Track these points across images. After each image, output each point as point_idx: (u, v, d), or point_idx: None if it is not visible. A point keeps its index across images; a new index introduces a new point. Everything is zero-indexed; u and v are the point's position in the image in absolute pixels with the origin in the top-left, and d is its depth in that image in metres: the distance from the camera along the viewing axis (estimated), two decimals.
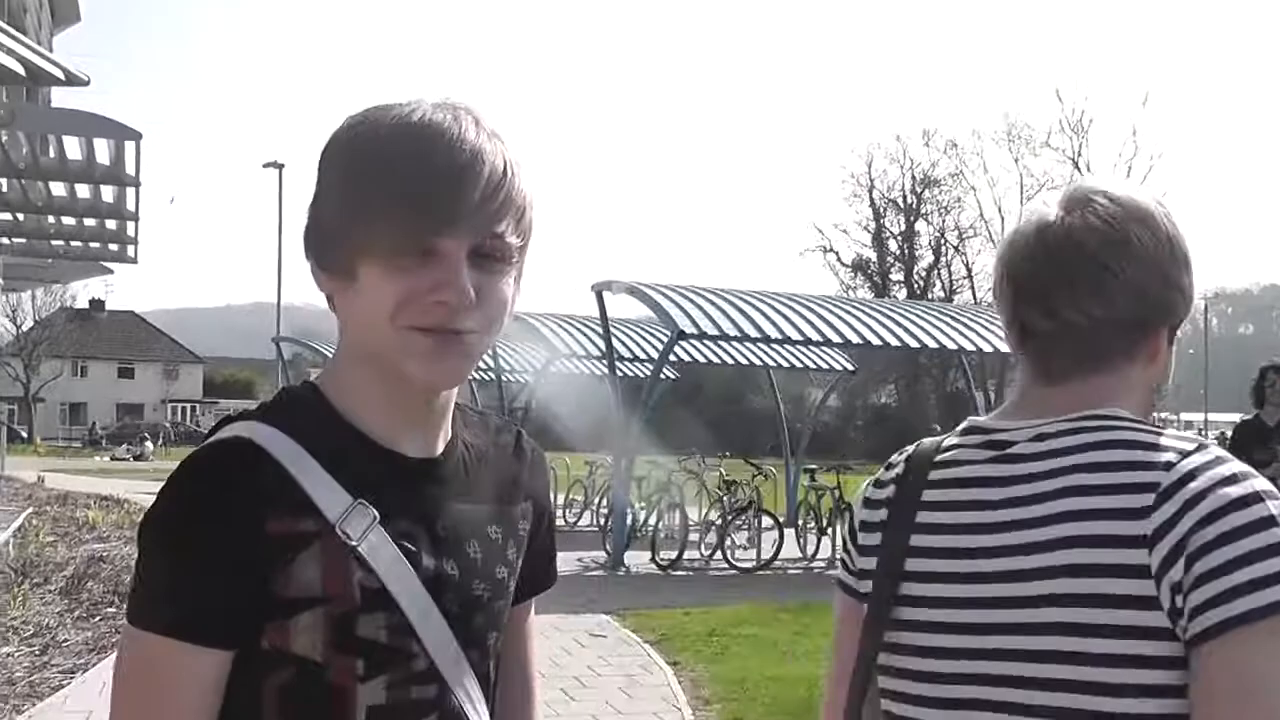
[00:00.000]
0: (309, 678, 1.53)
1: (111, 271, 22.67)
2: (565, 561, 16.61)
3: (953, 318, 18.76)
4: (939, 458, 1.84)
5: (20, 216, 17.76)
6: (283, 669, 1.52)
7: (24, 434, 65.60)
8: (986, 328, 18.31)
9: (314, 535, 1.52)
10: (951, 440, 1.86)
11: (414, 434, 1.64)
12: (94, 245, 19.63)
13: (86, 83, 11.32)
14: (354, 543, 1.53)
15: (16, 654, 9.28)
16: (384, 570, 1.54)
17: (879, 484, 1.96)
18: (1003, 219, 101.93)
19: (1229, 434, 10.33)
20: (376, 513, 1.55)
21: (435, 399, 1.64)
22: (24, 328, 75.12)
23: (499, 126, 1.56)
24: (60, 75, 11.16)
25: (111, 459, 51.57)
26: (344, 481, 1.55)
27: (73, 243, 19.61)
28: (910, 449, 1.93)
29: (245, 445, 1.54)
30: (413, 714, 1.59)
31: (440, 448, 1.68)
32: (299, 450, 1.55)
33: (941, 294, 79.88)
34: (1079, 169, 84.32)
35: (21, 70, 10.62)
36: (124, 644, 1.56)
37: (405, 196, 1.46)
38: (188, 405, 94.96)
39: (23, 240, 19.94)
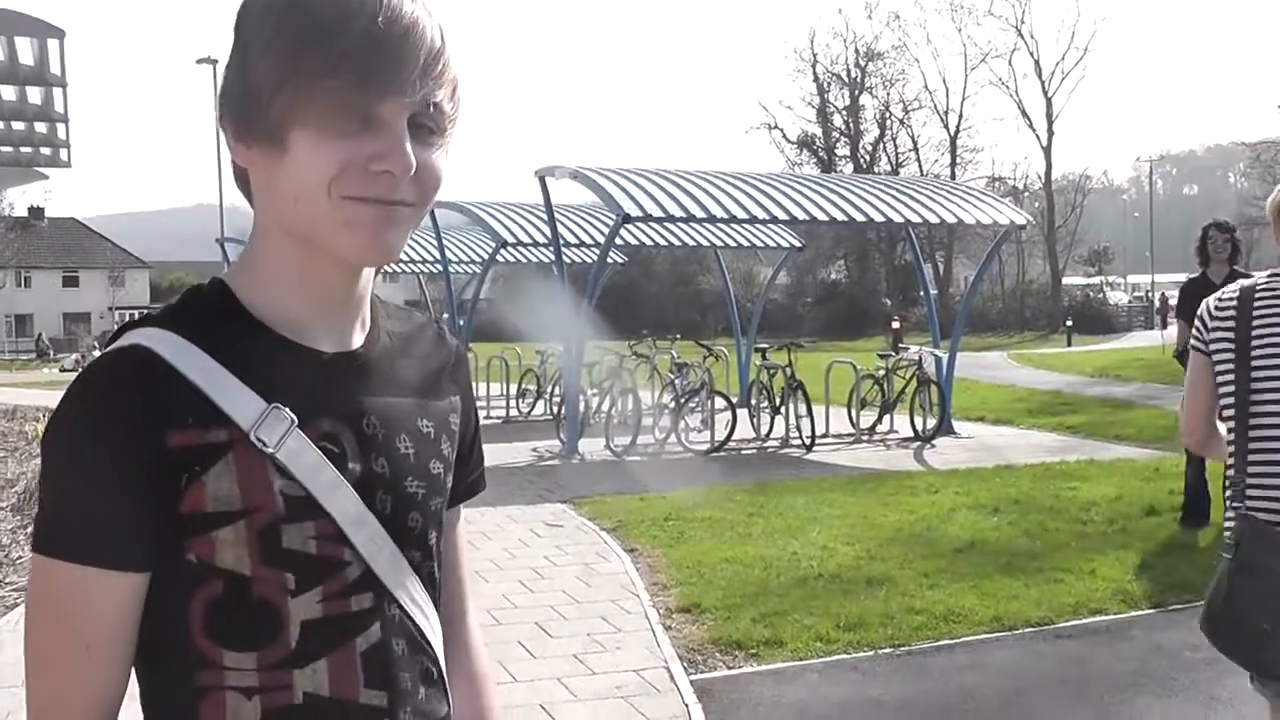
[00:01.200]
0: (237, 592, 1.44)
1: (46, 177, 22.29)
2: (520, 451, 16.68)
3: (899, 190, 18.60)
4: (1259, 287, 3.59)
5: None
6: (210, 583, 1.44)
7: None
8: (933, 199, 18.22)
9: (225, 445, 1.42)
10: (1263, 278, 3.63)
11: (332, 326, 1.55)
12: (24, 150, 19.28)
13: None
14: (270, 449, 1.44)
15: None
16: (306, 476, 1.46)
17: (1221, 300, 3.65)
18: (947, 90, 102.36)
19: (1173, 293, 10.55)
20: (294, 416, 1.46)
21: (355, 285, 1.55)
22: None
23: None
24: None
25: (60, 370, 51.00)
26: (256, 385, 1.46)
27: (3, 148, 19.22)
28: (1235, 287, 3.68)
29: (141, 354, 1.43)
30: (351, 625, 1.51)
31: (359, 340, 1.59)
32: (203, 356, 1.45)
33: (888, 168, 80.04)
34: (1022, 37, 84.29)
35: None
36: (32, 569, 1.46)
37: (348, 59, 1.38)
38: (135, 312, 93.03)
39: None
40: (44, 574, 1.43)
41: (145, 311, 1.58)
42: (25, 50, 13.02)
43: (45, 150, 19.18)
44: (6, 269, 79.72)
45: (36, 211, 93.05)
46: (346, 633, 1.50)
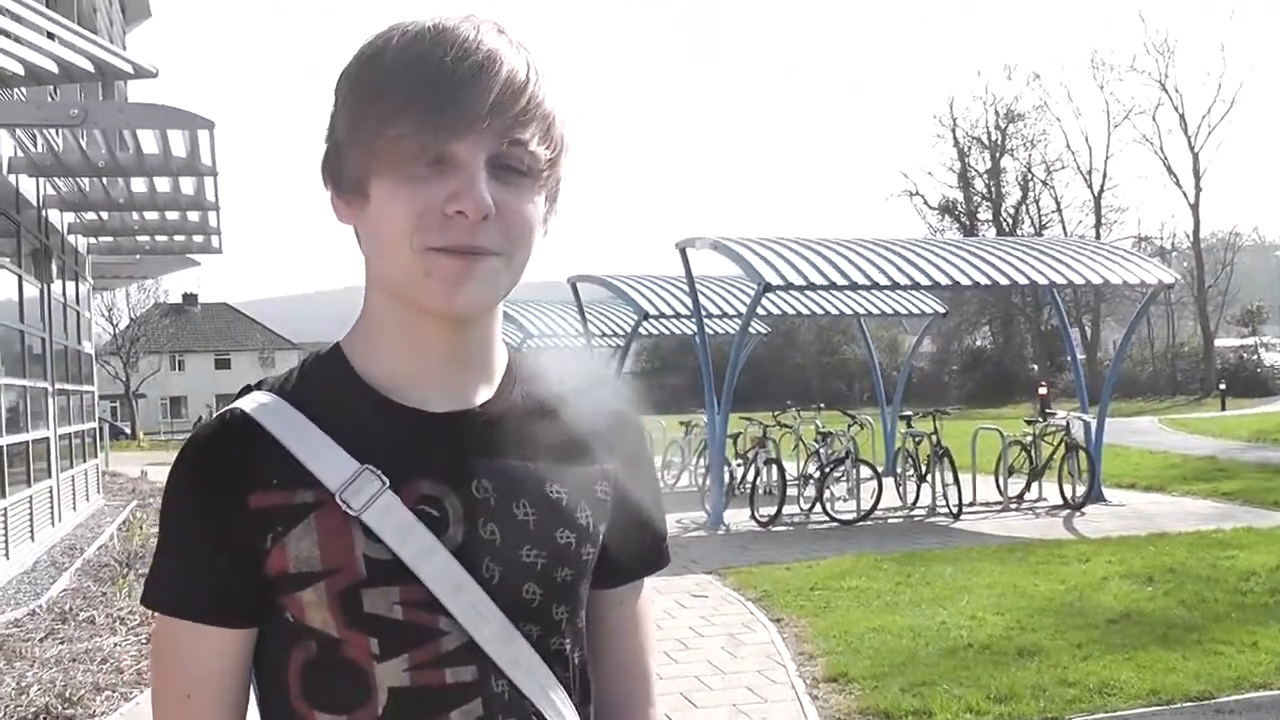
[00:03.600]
0: (327, 653, 1.46)
1: (198, 263, 22.97)
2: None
3: (1042, 251, 18.30)
4: None
5: (104, 215, 18.03)
6: (305, 642, 1.47)
7: (126, 430, 66.82)
8: (1078, 259, 17.91)
9: (310, 507, 1.43)
10: None
11: (445, 385, 1.52)
12: (178, 238, 19.95)
13: (155, 74, 11.39)
14: (355, 512, 1.42)
15: (123, 643, 9.40)
16: (394, 539, 1.43)
17: None
18: (1089, 148, 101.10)
19: None
20: (385, 479, 1.44)
21: (464, 339, 1.52)
22: (120, 326, 76.28)
23: (525, 39, 1.45)
24: (129, 69, 11.26)
25: None
26: (352, 447, 1.46)
27: (157, 237, 19.90)
28: None
29: (236, 418, 1.48)
30: (445, 698, 1.46)
31: (479, 399, 1.54)
32: (298, 419, 1.47)
33: (1031, 230, 78.88)
34: (1166, 91, 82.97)
35: (90, 67, 10.73)
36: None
37: (414, 99, 1.36)
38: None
39: (109, 238, 20.29)
40: (156, 625, 1.51)
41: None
42: (178, 142, 13.45)
43: (198, 238, 19.77)
44: (161, 353, 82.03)
45: (190, 298, 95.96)
46: (440, 705, 1.45)
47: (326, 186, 1.51)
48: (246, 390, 1.55)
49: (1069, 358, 22.60)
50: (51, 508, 16.37)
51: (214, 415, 1.52)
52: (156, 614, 1.50)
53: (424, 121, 1.36)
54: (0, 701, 7.84)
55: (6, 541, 13.26)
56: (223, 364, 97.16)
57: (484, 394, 1.55)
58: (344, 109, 1.45)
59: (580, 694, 1.60)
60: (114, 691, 8.14)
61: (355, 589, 1.43)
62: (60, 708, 7.65)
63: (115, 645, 9.35)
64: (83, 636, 9.76)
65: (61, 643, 9.54)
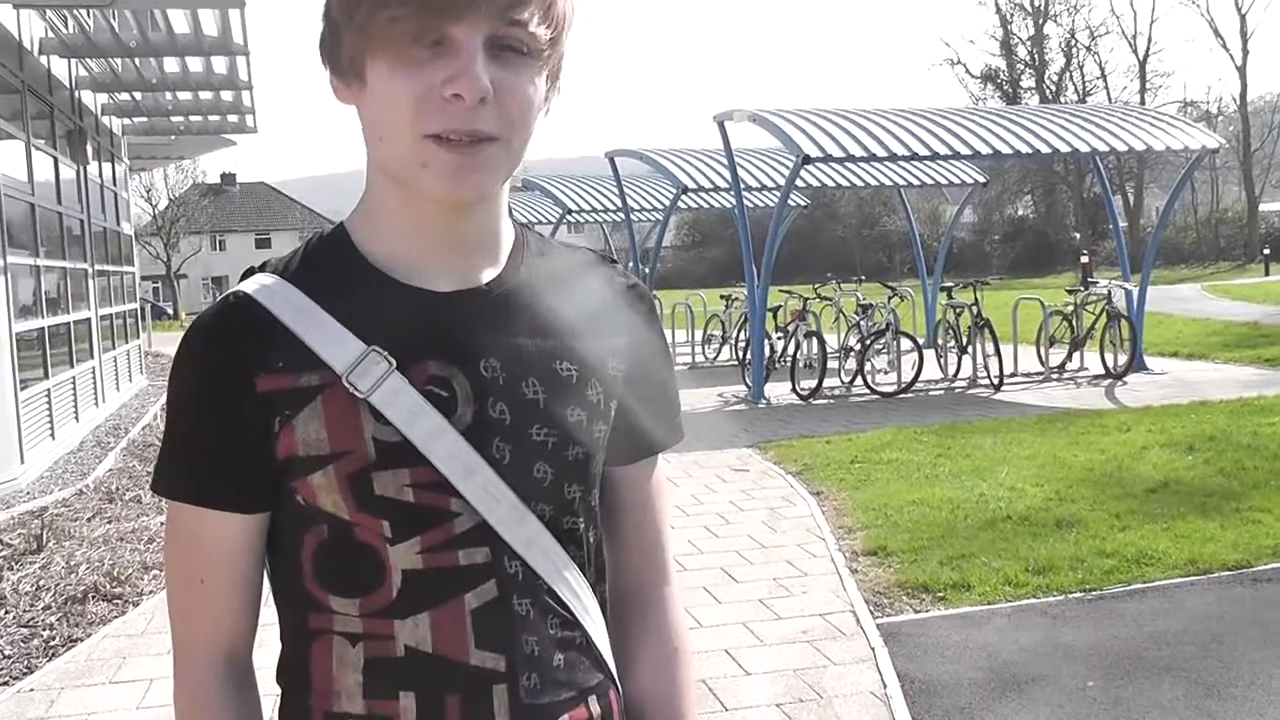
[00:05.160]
0: (340, 536, 1.45)
1: (234, 143, 22.96)
2: (705, 397, 16.70)
3: (1085, 119, 17.99)
4: None
5: (138, 96, 18.01)
6: (316, 526, 1.46)
7: (169, 310, 67.28)
8: (1121, 126, 17.61)
9: (316, 389, 1.42)
10: None
11: (450, 265, 1.49)
12: (213, 118, 19.94)
13: None
14: (363, 394, 1.41)
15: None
16: (403, 420, 1.41)
17: None
18: (1134, 13, 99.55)
19: None
20: (392, 360, 1.42)
21: (468, 222, 1.49)
22: (160, 207, 76.41)
23: None
24: None
25: None
26: (358, 329, 1.44)
27: (192, 117, 19.89)
28: None
29: (240, 301, 1.46)
30: (458, 580, 1.44)
31: (486, 277, 1.52)
32: (303, 300, 1.45)
33: (1075, 98, 77.77)
34: None
35: None
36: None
37: None
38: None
39: (144, 119, 20.29)
40: (168, 511, 1.51)
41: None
42: (208, 21, 13.38)
43: (233, 118, 19.77)
44: (202, 233, 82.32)
45: (228, 177, 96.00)
46: (453, 587, 1.44)
47: (324, 66, 1.48)
48: (250, 272, 1.53)
49: (1111, 226, 22.34)
50: (95, 388, 16.55)
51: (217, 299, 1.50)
52: (167, 500, 1.49)
53: (420, 3, 1.32)
54: (50, 579, 7.98)
55: (52, 422, 13.43)
56: (263, 243, 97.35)
57: (490, 271, 1.53)
58: None
59: (595, 573, 1.59)
60: (160, 570, 8.25)
61: (365, 472, 1.41)
62: (109, 586, 7.77)
63: (161, 525, 9.47)
64: (129, 515, 9.91)
65: (109, 522, 9.69)
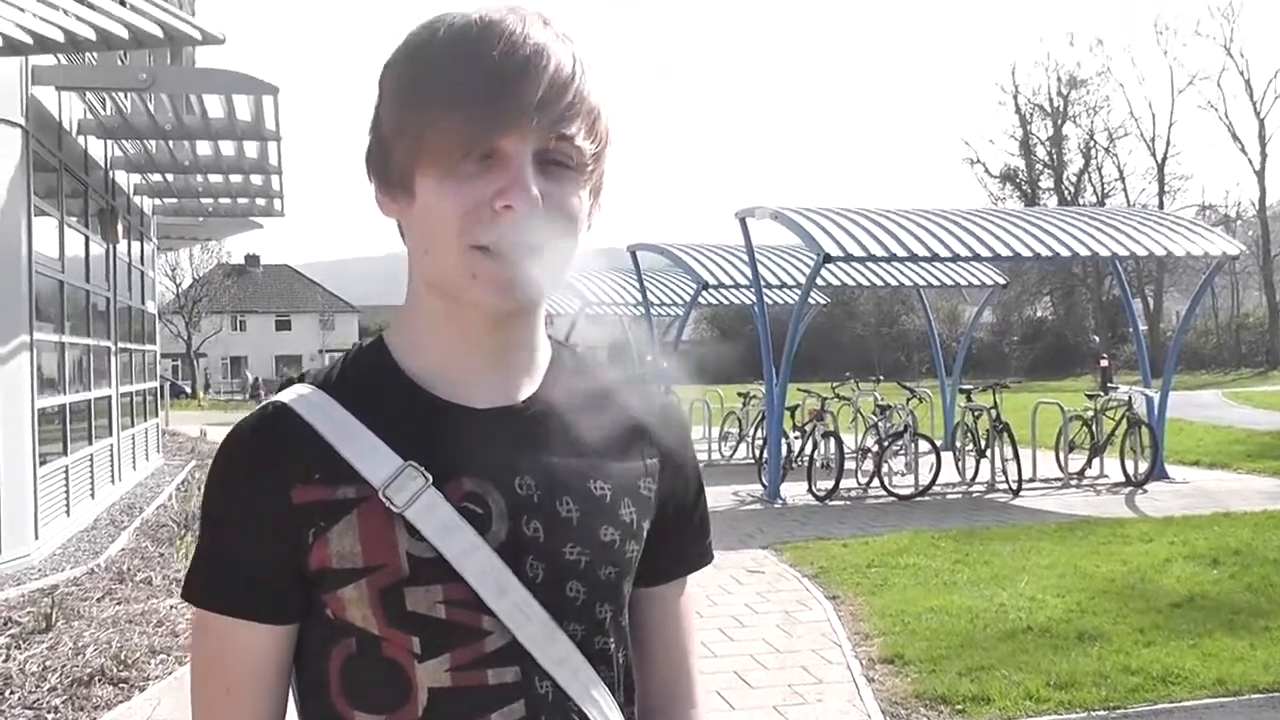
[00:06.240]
0: (368, 650, 1.44)
1: (260, 226, 23.15)
2: (721, 495, 16.60)
3: (1104, 222, 18.01)
4: None
5: (169, 177, 18.20)
6: (345, 639, 1.45)
7: (187, 389, 67.50)
8: (1140, 230, 17.64)
9: (352, 502, 1.41)
10: None
11: (489, 380, 1.50)
12: (241, 201, 20.12)
13: (222, 41, 11.44)
14: (399, 509, 1.40)
15: (179, 606, 9.41)
16: (437, 536, 1.40)
17: None
18: (1153, 116, 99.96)
19: None
20: (428, 475, 1.41)
21: (508, 335, 1.49)
22: (183, 286, 77.00)
23: (571, 30, 1.43)
24: (197, 35, 11.30)
25: None
26: (396, 442, 1.44)
27: (221, 199, 20.07)
28: None
29: (280, 412, 1.47)
30: (487, 699, 1.43)
31: (523, 394, 1.52)
32: (341, 413, 1.46)
33: (1094, 199, 78.15)
34: (1231, 56, 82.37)
35: (159, 32, 10.78)
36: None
37: (461, 94, 1.34)
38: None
39: (174, 200, 20.50)
40: (195, 619, 1.50)
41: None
42: (243, 107, 13.53)
43: (260, 201, 19.95)
44: (223, 313, 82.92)
45: (252, 259, 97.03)
46: (481, 707, 1.43)
47: (370, 180, 1.49)
48: (290, 382, 1.53)
49: (1131, 329, 22.34)
50: (112, 466, 16.53)
51: (257, 407, 1.51)
52: (195, 608, 1.48)
53: (472, 117, 1.34)
54: (58, 660, 7.91)
55: (68, 498, 13.40)
56: (283, 325, 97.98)
57: (527, 389, 1.53)
58: (389, 102, 1.43)
59: (624, 694, 1.57)
60: (169, 655, 8.19)
61: (397, 587, 1.41)
62: (115, 669, 7.70)
63: (171, 608, 9.41)
64: (139, 597, 9.84)
65: (118, 603, 9.62)
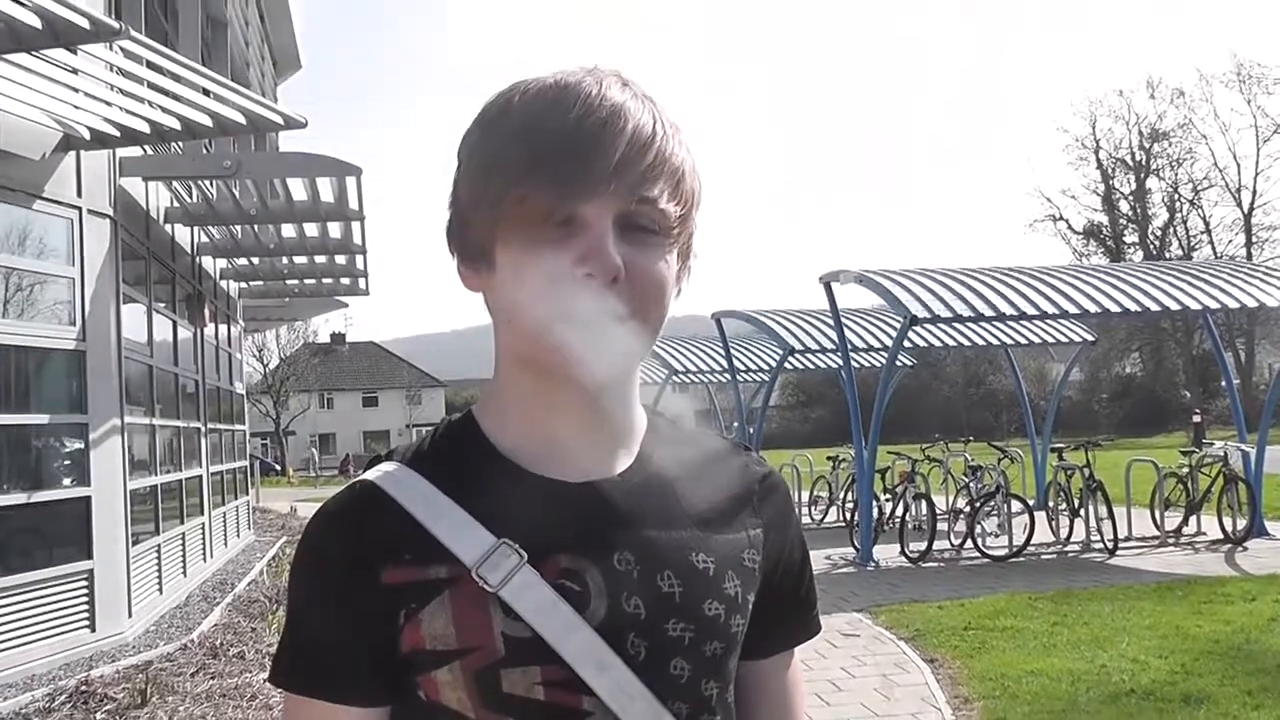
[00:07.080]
0: None
1: (346, 305, 23.42)
2: (814, 559, 16.27)
3: (1193, 275, 17.78)
4: None
5: (255, 260, 18.46)
6: None
7: (276, 466, 68.22)
8: (1230, 282, 17.38)
9: (444, 582, 1.37)
10: None
11: (581, 453, 1.46)
12: (326, 281, 20.37)
13: (304, 125, 11.60)
14: (493, 588, 1.35)
15: None
16: (534, 616, 1.35)
17: None
18: (1238, 166, 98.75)
19: None
20: (523, 553, 1.36)
21: (600, 407, 1.45)
22: (271, 366, 77.94)
23: (652, 92, 1.39)
24: (279, 121, 11.47)
25: None
26: (488, 520, 1.39)
27: (306, 280, 20.33)
28: None
29: (367, 491, 1.43)
30: None
31: (619, 467, 1.47)
32: (432, 491, 1.41)
33: (1179, 252, 77.32)
34: None
35: (243, 120, 10.97)
36: None
37: (539, 161, 1.31)
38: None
39: (260, 283, 20.78)
40: (285, 703, 1.46)
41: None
42: (326, 189, 13.72)
43: (345, 280, 20.21)
44: (310, 391, 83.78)
45: (338, 337, 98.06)
46: None
47: (452, 254, 1.47)
48: (376, 460, 1.51)
49: (1224, 383, 21.98)
50: (204, 543, 16.69)
51: (344, 485, 1.48)
52: (285, 692, 1.45)
53: (549, 183, 1.31)
54: None
55: (160, 576, 13.53)
56: (370, 401, 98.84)
57: (623, 461, 1.49)
58: (467, 174, 1.41)
59: None
60: None
61: (493, 668, 1.36)
62: None
63: (264, 682, 9.44)
64: (233, 672, 9.88)
65: (212, 678, 9.67)
